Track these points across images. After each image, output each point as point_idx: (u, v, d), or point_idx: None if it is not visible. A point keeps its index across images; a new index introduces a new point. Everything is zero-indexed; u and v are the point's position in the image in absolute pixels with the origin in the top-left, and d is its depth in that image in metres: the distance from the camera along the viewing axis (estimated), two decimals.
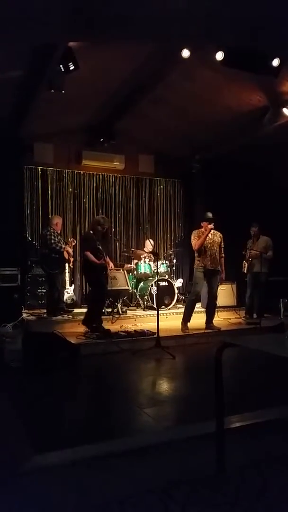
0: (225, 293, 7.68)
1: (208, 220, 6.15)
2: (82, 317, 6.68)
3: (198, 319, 6.79)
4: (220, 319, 7.28)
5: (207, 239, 6.10)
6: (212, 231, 6.18)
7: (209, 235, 6.15)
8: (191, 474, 2.20)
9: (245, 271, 7.05)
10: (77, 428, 2.96)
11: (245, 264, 7.01)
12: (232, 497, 1.99)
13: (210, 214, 6.25)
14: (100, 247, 5.88)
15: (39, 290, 7.36)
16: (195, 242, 6.17)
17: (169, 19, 3.84)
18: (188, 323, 6.21)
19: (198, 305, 7.88)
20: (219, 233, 6.32)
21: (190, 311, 6.25)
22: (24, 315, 6.60)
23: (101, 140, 7.91)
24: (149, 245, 8.02)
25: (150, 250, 7.90)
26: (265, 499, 1.97)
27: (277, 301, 6.80)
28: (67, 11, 3.63)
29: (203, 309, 7.44)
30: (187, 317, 6.21)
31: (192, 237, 6.27)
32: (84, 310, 7.47)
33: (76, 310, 7.28)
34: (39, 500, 2.03)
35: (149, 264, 7.66)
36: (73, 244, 7.12)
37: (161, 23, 3.95)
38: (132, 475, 2.25)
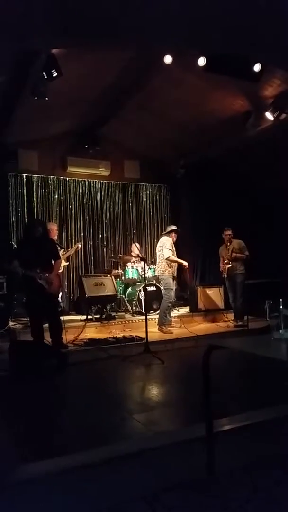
0: (213, 297, 7.69)
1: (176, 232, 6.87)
2: (70, 324, 6.64)
3: (187, 323, 6.80)
4: (209, 322, 7.30)
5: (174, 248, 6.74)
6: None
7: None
8: (181, 479, 2.19)
9: (226, 276, 7.07)
10: (66, 436, 2.93)
11: (224, 269, 7.01)
12: (222, 500, 1.98)
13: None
14: (26, 257, 4.85)
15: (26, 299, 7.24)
16: (170, 254, 6.59)
17: (151, 26, 3.87)
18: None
19: (186, 309, 7.91)
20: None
21: (169, 314, 6.69)
22: (11, 323, 6.51)
23: (86, 146, 7.89)
24: (135, 248, 8.01)
25: (137, 253, 7.90)
26: (255, 500, 1.97)
27: (263, 303, 6.81)
28: (49, 18, 3.63)
29: (190, 313, 7.48)
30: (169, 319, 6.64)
31: (168, 245, 6.67)
32: (73, 317, 7.45)
33: (64, 318, 7.19)
34: (28, 510, 2.00)
35: (137, 269, 7.64)
36: (78, 248, 7.52)
37: (143, 30, 3.98)
38: (122, 481, 2.23)
